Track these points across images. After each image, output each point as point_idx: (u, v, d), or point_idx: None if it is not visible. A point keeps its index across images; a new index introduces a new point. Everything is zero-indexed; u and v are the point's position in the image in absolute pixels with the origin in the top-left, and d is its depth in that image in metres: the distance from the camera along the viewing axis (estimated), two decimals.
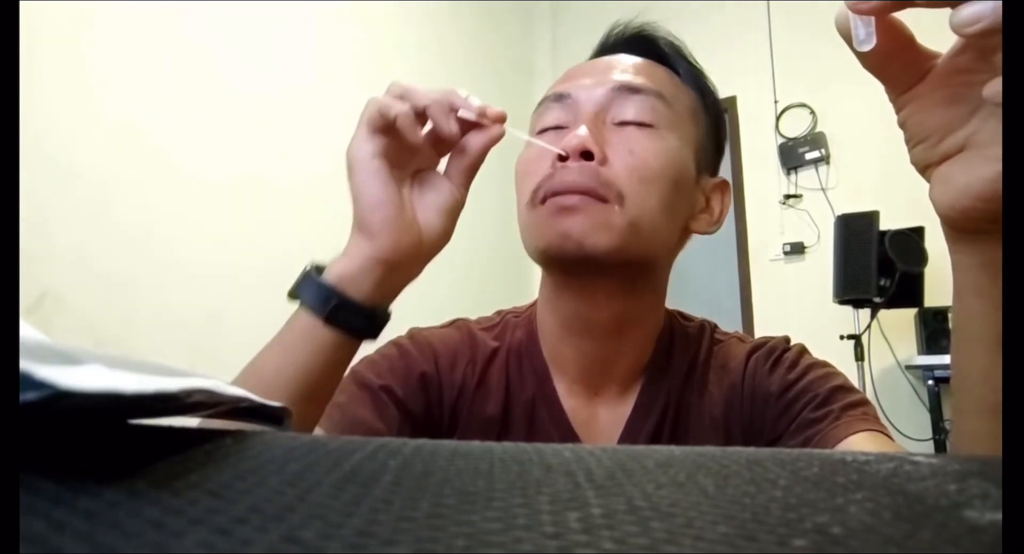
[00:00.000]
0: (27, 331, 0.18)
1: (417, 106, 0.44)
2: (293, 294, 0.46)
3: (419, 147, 0.46)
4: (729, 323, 0.68)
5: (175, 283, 1.73)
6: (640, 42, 0.63)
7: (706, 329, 0.65)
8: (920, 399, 2.55)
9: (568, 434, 0.59)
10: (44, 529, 0.11)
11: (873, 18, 0.35)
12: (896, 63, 0.37)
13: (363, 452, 0.18)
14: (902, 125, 0.39)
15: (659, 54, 0.62)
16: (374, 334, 0.47)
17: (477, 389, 0.60)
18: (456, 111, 0.45)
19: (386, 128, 0.44)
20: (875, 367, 2.52)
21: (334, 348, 0.45)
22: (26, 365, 0.13)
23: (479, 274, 2.82)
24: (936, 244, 2.04)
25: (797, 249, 2.92)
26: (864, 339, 2.47)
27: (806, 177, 2.95)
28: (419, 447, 0.19)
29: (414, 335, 0.64)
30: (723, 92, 0.67)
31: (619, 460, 0.18)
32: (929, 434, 2.38)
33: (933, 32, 0.39)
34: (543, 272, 0.61)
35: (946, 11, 0.32)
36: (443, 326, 0.66)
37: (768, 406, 0.57)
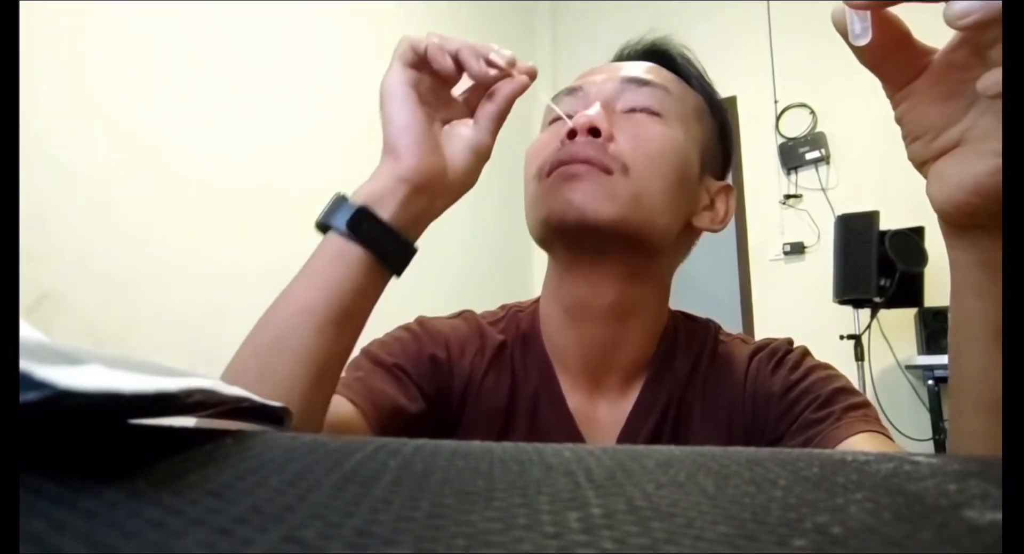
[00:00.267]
0: (27, 331, 0.18)
1: (449, 47, 0.47)
2: (321, 224, 0.47)
3: (450, 75, 0.48)
4: (729, 323, 0.68)
5: (175, 283, 1.73)
6: (652, 54, 0.66)
7: (710, 329, 0.65)
8: (920, 399, 2.55)
9: (570, 428, 0.59)
10: (44, 529, 0.11)
11: (868, 12, 0.35)
12: (892, 58, 0.38)
13: (363, 452, 0.18)
14: (899, 121, 0.40)
15: (672, 65, 0.65)
16: (400, 261, 0.48)
17: (484, 379, 0.61)
18: (486, 57, 0.48)
19: (417, 63, 0.48)
20: (875, 367, 2.52)
21: (363, 270, 0.45)
22: (26, 365, 0.13)
23: (479, 275, 2.82)
24: (936, 244, 2.04)
25: (797, 249, 2.92)
26: (864, 339, 2.47)
27: (806, 177, 2.95)
28: (419, 447, 0.19)
29: (423, 322, 0.64)
30: (723, 92, 0.69)
31: (619, 460, 0.18)
32: (929, 434, 2.38)
33: (932, 30, 0.39)
34: (548, 258, 0.62)
35: (941, 8, 0.32)
36: (450, 317, 0.66)
37: (770, 406, 0.57)
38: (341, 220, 0.46)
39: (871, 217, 2.41)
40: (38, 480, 0.13)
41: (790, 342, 0.63)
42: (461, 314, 0.67)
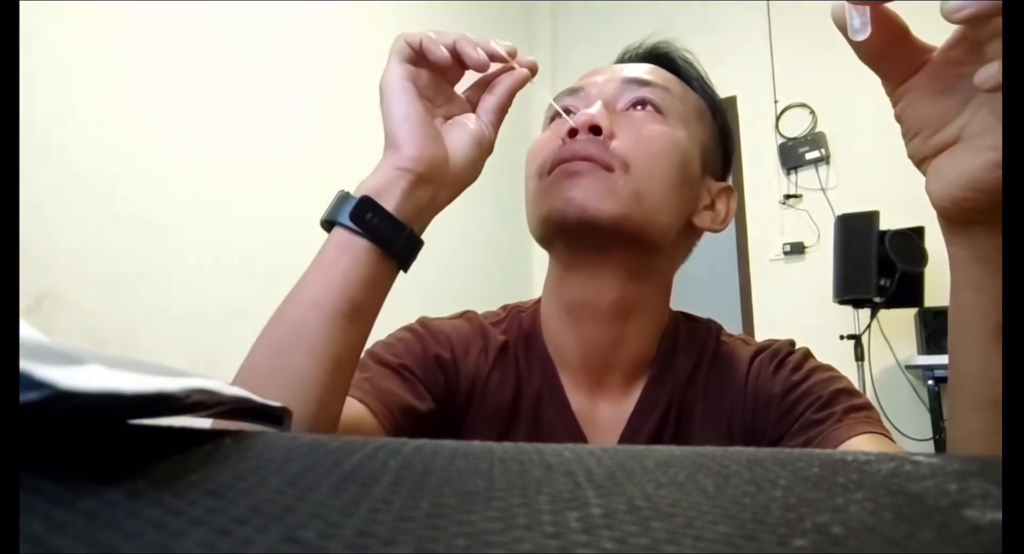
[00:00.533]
0: (27, 331, 0.18)
1: (446, 40, 0.48)
2: (326, 221, 0.47)
3: (447, 66, 0.49)
4: (729, 323, 0.68)
5: (175, 283, 1.72)
6: (654, 56, 0.66)
7: (712, 329, 0.65)
8: (920, 399, 2.55)
9: (572, 428, 0.59)
10: (44, 529, 0.11)
11: (867, 8, 0.36)
12: (891, 54, 0.38)
13: (363, 452, 0.18)
14: (898, 118, 0.40)
15: (673, 67, 0.65)
16: (406, 253, 0.48)
17: (488, 378, 0.61)
18: (486, 47, 0.49)
19: (414, 58, 0.49)
20: (875, 367, 2.52)
21: (370, 262, 0.46)
22: (26, 365, 0.13)
23: (479, 275, 2.82)
24: (936, 244, 2.04)
25: (797, 249, 2.92)
26: (864, 339, 2.47)
27: (806, 177, 2.95)
28: (419, 447, 0.19)
29: (426, 322, 0.64)
30: (723, 92, 0.69)
31: (619, 460, 0.18)
32: (929, 434, 2.38)
33: (932, 30, 0.40)
34: (549, 257, 0.62)
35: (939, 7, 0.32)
36: (452, 317, 0.66)
37: (771, 407, 0.57)
38: (345, 214, 0.46)
39: (871, 217, 2.41)
40: (38, 480, 0.13)
41: (792, 343, 0.63)
42: (463, 314, 0.67)
